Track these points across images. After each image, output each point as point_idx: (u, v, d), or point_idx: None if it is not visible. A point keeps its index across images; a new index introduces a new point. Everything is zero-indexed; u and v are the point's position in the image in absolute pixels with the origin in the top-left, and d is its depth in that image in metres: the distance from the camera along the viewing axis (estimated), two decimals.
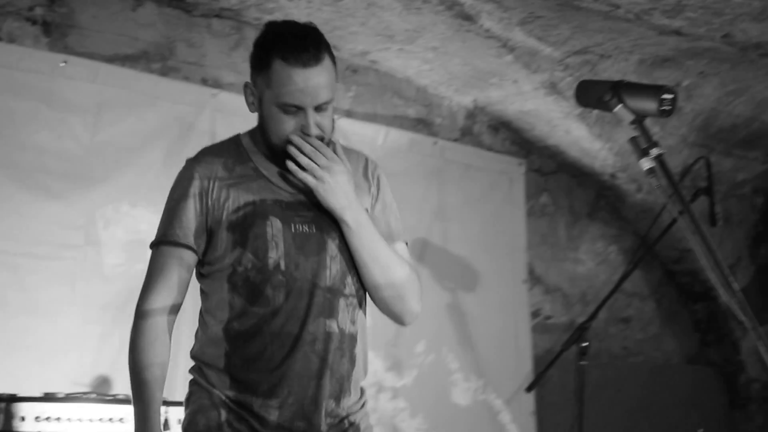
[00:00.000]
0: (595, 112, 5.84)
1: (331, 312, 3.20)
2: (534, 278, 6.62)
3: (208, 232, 3.16)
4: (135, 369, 3.15)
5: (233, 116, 5.28)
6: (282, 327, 3.14)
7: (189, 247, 3.16)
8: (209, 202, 3.16)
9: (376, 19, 5.32)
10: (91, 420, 4.23)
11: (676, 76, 5.78)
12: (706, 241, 2.77)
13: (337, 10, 5.24)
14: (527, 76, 5.76)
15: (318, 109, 3.12)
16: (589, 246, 6.89)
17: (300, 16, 5.28)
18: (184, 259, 3.18)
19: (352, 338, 3.24)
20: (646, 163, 2.85)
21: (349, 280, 3.23)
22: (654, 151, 2.86)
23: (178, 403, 4.50)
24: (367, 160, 3.43)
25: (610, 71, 5.54)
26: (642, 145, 2.88)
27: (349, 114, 5.84)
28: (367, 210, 3.29)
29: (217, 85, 5.45)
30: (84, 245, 4.92)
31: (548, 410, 6.21)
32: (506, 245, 6.53)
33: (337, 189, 3.14)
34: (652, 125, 6.00)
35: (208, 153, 3.28)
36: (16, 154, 4.79)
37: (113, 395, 4.50)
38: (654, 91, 2.93)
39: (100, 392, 4.61)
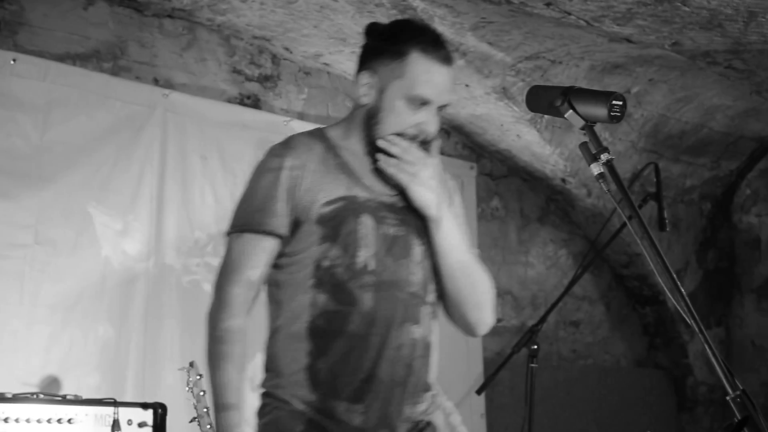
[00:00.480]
0: (546, 117, 5.87)
1: (416, 318, 3.14)
2: None
3: (294, 223, 3.06)
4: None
5: (185, 117, 5.35)
6: (369, 329, 3.06)
7: (277, 236, 3.06)
8: (299, 192, 3.06)
9: (328, 22, 5.33)
10: (39, 420, 4.20)
11: (626, 83, 5.83)
12: (654, 246, 2.79)
13: (290, 12, 5.24)
14: (479, 80, 5.76)
15: (438, 109, 3.10)
16: (540, 250, 6.92)
17: (253, 17, 5.34)
18: (268, 250, 3.08)
19: (431, 347, 3.19)
20: (596, 168, 2.87)
21: (430, 287, 3.18)
22: (604, 157, 2.87)
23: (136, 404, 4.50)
24: (442, 167, 3.34)
25: (561, 77, 5.56)
26: (592, 150, 2.90)
27: (301, 116, 5.84)
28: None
29: (168, 85, 5.43)
30: (33, 244, 4.88)
31: (498, 412, 6.23)
32: None
33: (429, 184, 3.11)
34: (602, 131, 6.05)
35: (297, 142, 3.17)
36: None
37: (62, 396, 4.45)
38: (604, 97, 2.94)
39: (49, 392, 4.56)
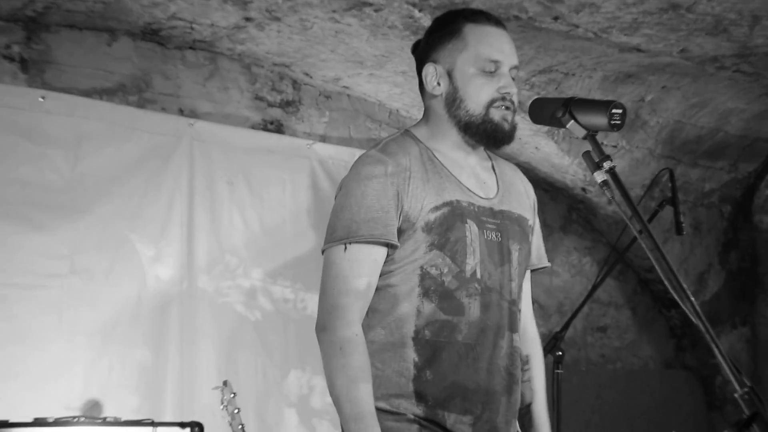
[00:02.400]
0: (561, 130, 5.87)
1: (514, 326, 3.08)
2: None
3: (400, 230, 2.95)
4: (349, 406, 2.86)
5: (211, 144, 5.36)
6: (477, 339, 2.98)
7: (386, 244, 2.95)
8: (405, 198, 2.96)
9: (344, 46, 5.34)
10: None
11: (640, 91, 5.80)
12: (663, 258, 2.80)
13: (307, 38, 5.25)
14: None
15: (510, 71, 3.04)
16: (564, 258, 6.92)
17: (272, 45, 5.35)
18: (377, 259, 2.96)
19: (522, 355, 3.14)
20: (599, 176, 2.85)
21: (521, 294, 3.13)
22: (606, 164, 2.86)
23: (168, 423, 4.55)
24: (522, 173, 3.36)
25: (575, 89, 5.55)
26: (595, 158, 2.91)
27: (323, 139, 5.86)
28: (530, 224, 3.24)
29: (193, 114, 5.45)
30: (69, 274, 4.91)
31: None
32: None
33: None
34: (619, 139, 6.05)
35: (395, 146, 3.06)
36: (3, 187, 4.80)
37: (102, 418, 4.50)
38: (604, 106, 2.94)
39: (90, 415, 4.60)
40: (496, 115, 3.04)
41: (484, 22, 3.08)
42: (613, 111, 2.93)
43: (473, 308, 2.98)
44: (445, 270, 2.97)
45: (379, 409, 2.90)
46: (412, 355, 2.95)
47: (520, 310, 3.12)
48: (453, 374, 2.95)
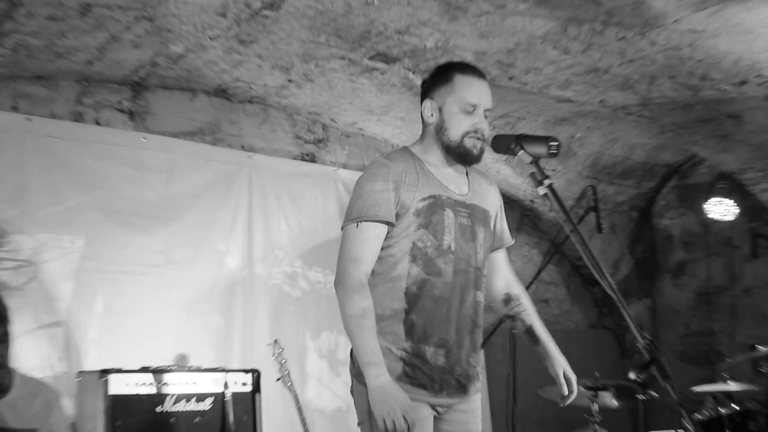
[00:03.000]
0: (514, 158, 5.86)
1: (478, 286, 3.12)
2: None
3: (397, 214, 3.00)
4: (355, 320, 2.92)
5: (264, 170, 5.38)
6: (450, 293, 3.03)
7: (388, 223, 3.01)
8: (402, 191, 3.02)
9: (359, 99, 5.33)
10: (174, 384, 4.28)
11: (571, 131, 5.78)
12: (587, 249, 2.83)
13: (332, 95, 5.26)
14: None
15: (484, 112, 3.09)
16: (518, 251, 6.89)
17: (307, 99, 5.35)
18: (380, 234, 3.01)
19: (482, 306, 3.17)
20: (542, 190, 2.89)
21: (486, 263, 3.18)
22: (546, 182, 2.89)
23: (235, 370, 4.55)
24: (495, 184, 3.40)
25: (525, 128, 5.52)
26: (538, 178, 2.93)
27: (344, 166, 5.86)
28: (491, 216, 3.26)
29: (251, 149, 5.43)
30: (164, 264, 4.92)
31: (494, 366, 6.22)
32: None
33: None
34: (557, 164, 6.05)
35: (396, 156, 3.14)
36: (114, 203, 4.80)
37: (188, 366, 4.55)
38: (544, 140, 2.98)
39: (180, 365, 4.66)
40: (468, 143, 3.11)
41: (469, 74, 3.12)
42: (551, 143, 2.97)
43: (448, 271, 3.04)
44: (429, 243, 3.03)
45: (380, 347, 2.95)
46: (403, 304, 3.01)
47: (485, 276, 3.17)
48: (431, 318, 3.01)
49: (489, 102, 3.13)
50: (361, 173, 3.20)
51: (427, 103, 3.15)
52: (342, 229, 3.07)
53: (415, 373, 2.97)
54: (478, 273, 3.12)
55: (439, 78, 3.15)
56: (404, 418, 2.81)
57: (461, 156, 3.14)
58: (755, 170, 5.66)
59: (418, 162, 3.13)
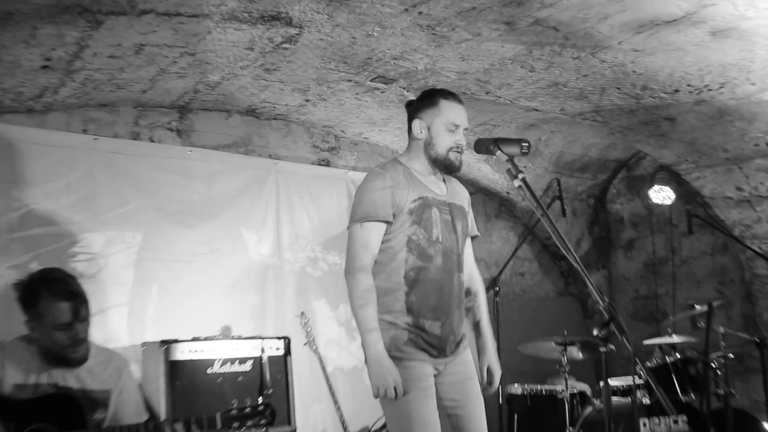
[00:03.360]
0: (493, 157, 5.85)
1: (461, 269, 3.15)
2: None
3: (393, 214, 3.02)
4: (361, 308, 2.93)
5: (288, 174, 5.38)
6: (441, 276, 3.04)
7: (388, 222, 3.01)
8: (397, 195, 3.02)
9: (364, 114, 5.32)
10: (220, 350, 4.30)
11: (538, 134, 5.77)
12: (556, 230, 2.84)
13: (342, 111, 5.25)
14: None
15: (464, 130, 3.13)
16: (498, 233, 6.88)
17: (321, 115, 5.34)
18: (380, 231, 3.02)
19: (464, 285, 3.20)
20: (516, 183, 2.90)
21: (464, 249, 3.19)
22: (520, 176, 2.90)
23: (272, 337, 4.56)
24: (461, 184, 3.38)
25: (500, 133, 5.51)
26: (513, 172, 2.94)
27: (354, 169, 5.85)
28: (466, 210, 3.27)
29: (277, 157, 5.42)
30: (209, 253, 4.92)
31: None
32: None
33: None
34: (527, 162, 6.04)
35: (389, 167, 3.13)
36: (166, 205, 4.81)
37: (232, 335, 4.57)
38: (517, 142, 2.99)
39: (224, 334, 4.68)
40: (452, 156, 3.16)
41: (452, 99, 3.15)
42: (523, 144, 2.99)
43: (437, 258, 3.07)
44: (421, 236, 3.05)
45: (385, 321, 2.99)
46: (404, 285, 3.03)
47: (464, 260, 3.19)
48: (427, 297, 3.04)
49: (467, 122, 3.17)
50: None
51: (416, 122, 3.16)
52: (348, 228, 3.09)
53: (418, 341, 3.00)
54: (459, 258, 3.15)
55: (426, 102, 3.16)
56: (394, 388, 2.87)
57: (446, 167, 3.17)
58: (688, 162, 5.65)
59: (407, 170, 3.14)
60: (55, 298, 3.07)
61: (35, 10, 3.27)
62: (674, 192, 6.14)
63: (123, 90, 4.47)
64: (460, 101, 3.17)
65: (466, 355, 3.21)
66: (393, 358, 2.94)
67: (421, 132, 3.15)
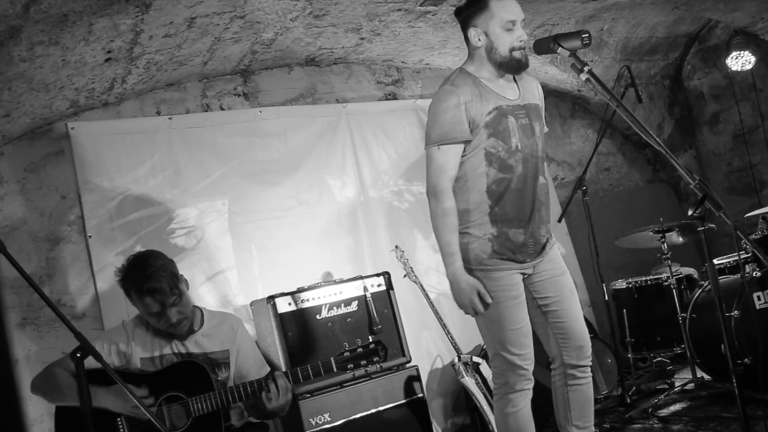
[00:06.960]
0: (559, 57, 5.69)
1: (542, 171, 3.09)
2: (549, 158, 6.48)
3: (470, 130, 2.96)
4: (442, 219, 2.95)
5: (358, 115, 5.35)
6: (523, 184, 3.01)
7: (466, 141, 2.96)
8: (471, 110, 2.95)
9: (420, 40, 5.22)
10: (325, 296, 4.35)
11: (599, 24, 5.57)
12: (634, 118, 2.70)
13: (398, 42, 5.14)
14: None
15: (522, 23, 3.00)
16: (576, 132, 6.74)
17: (379, 50, 5.26)
18: (458, 152, 2.97)
19: (547, 187, 3.14)
20: (583, 76, 2.78)
21: (544, 151, 3.13)
22: (586, 69, 2.78)
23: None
24: (536, 80, 3.24)
25: (560, 31, 5.29)
26: (578, 66, 2.81)
27: (420, 97, 5.77)
28: (541, 106, 3.16)
29: (344, 101, 5.39)
30: (297, 206, 4.96)
31: (575, 230, 6.15)
32: None
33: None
34: (593, 54, 5.81)
35: (458, 81, 3.03)
36: (248, 167, 4.85)
37: (333, 280, 4.60)
38: (576, 34, 2.85)
39: (326, 280, 4.72)
40: (517, 54, 3.02)
41: None
42: (583, 35, 2.84)
43: (518, 167, 3.00)
44: (500, 148, 2.98)
45: (470, 234, 3.00)
46: (486, 200, 3.01)
47: (544, 161, 3.11)
48: (510, 207, 3.01)
49: (521, 14, 3.01)
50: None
51: (472, 30, 3.03)
52: (425, 149, 3.03)
53: (503, 251, 3.00)
54: (540, 162, 3.06)
55: (476, 6, 3.03)
56: (478, 301, 2.92)
57: (513, 67, 3.04)
58: (765, 20, 5.29)
59: (476, 80, 3.03)
60: (139, 294, 3.16)
61: (87, 7, 3.29)
62: (753, 55, 5.85)
63: (185, 66, 4.49)
64: None
65: (554, 252, 3.19)
66: (480, 270, 2.98)
67: (479, 40, 3.03)
